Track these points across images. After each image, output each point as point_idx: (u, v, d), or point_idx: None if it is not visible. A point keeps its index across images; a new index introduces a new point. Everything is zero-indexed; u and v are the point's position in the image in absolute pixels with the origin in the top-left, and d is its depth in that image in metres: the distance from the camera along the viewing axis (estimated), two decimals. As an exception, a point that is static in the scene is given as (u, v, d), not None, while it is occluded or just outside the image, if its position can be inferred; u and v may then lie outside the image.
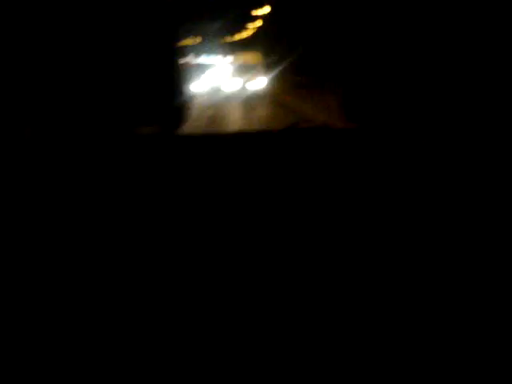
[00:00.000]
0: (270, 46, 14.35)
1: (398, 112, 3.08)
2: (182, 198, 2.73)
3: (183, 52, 4.34)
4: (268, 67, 13.30)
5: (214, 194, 2.73)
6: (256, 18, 18.33)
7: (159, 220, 2.60)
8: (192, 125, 3.91)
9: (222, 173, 2.84)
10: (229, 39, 18.45)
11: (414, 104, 3.07)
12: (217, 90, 12.40)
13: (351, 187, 2.72)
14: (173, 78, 3.29)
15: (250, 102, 11.73)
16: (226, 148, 3.00)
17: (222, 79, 13.00)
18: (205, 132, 4.24)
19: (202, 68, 12.45)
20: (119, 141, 3.07)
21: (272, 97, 12.81)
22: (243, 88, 12.60)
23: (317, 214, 2.61)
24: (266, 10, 17.27)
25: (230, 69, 13.36)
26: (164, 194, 2.75)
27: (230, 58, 14.13)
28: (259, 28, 18.66)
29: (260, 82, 12.71)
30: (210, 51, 14.35)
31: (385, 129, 3.04)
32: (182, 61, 3.44)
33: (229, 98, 12.13)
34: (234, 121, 9.36)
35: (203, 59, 13.58)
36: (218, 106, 10.92)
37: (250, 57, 14.09)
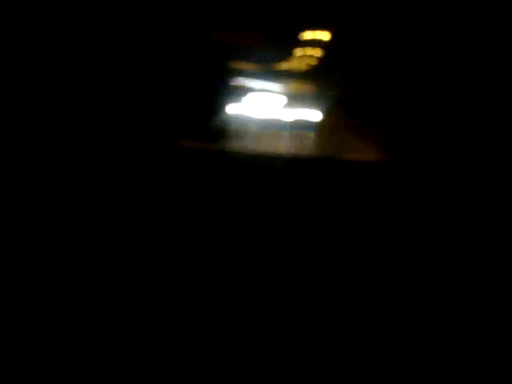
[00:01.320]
0: (322, 77, 14.52)
1: (443, 148, 3.05)
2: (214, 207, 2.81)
3: (235, 74, 4.53)
4: (319, 97, 13.44)
5: (242, 210, 2.82)
6: (311, 46, 18.43)
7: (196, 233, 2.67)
8: (233, 143, 4.09)
9: (251, 192, 2.92)
10: (281, 66, 18.60)
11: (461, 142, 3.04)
12: (264, 116, 12.58)
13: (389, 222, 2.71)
14: (220, 97, 3.41)
15: (296, 129, 11.85)
16: (260, 168, 3.10)
17: (271, 106, 13.17)
18: (243, 151, 4.41)
19: (251, 92, 12.66)
20: (162, 151, 3.19)
21: (318, 125, 12.90)
22: (291, 116, 12.75)
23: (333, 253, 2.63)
24: (322, 36, 17.33)
25: (280, 96, 13.53)
26: (202, 205, 2.83)
27: (281, 86, 14.30)
28: (313, 58, 18.76)
29: (308, 112, 12.85)
30: (261, 77, 14.55)
31: (429, 164, 3.04)
32: (232, 83, 3.57)
33: (275, 125, 12.28)
34: (276, 146, 9.49)
35: (254, 84, 13.79)
36: (262, 130, 11.05)
37: (301, 86, 14.26)
